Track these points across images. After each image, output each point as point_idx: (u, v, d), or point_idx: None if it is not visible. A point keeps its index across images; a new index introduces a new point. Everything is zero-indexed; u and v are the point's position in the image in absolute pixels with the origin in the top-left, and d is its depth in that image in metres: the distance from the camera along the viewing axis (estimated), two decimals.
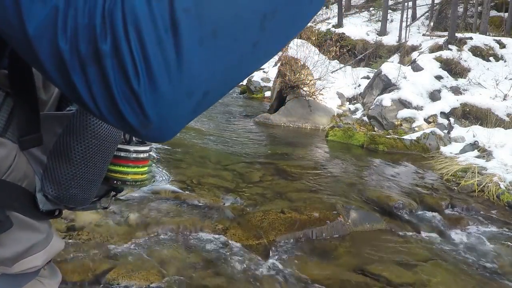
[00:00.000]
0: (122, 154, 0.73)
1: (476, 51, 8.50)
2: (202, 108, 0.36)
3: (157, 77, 0.31)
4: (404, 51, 10.75)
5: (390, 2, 14.35)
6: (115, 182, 0.74)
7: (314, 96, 7.84)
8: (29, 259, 0.62)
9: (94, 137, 0.62)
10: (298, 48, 8.08)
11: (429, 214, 3.92)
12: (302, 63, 7.84)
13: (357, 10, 15.69)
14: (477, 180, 4.64)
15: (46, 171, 0.61)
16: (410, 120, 7.03)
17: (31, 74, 0.55)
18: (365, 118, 7.56)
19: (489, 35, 9.68)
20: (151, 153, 0.78)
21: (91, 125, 0.61)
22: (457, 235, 3.57)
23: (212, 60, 0.32)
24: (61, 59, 0.32)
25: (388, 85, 7.80)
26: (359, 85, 9.20)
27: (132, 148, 0.74)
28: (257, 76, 11.92)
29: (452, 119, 7.10)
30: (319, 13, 15.96)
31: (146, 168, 0.76)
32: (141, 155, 0.75)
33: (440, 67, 8.03)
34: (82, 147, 0.61)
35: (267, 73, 12.14)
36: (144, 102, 0.32)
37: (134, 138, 0.74)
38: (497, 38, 9.03)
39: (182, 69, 0.31)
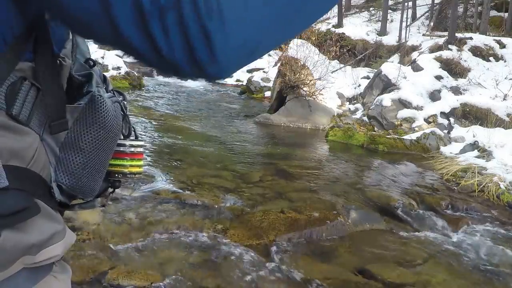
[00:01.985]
0: (121, 148, 0.79)
1: (476, 51, 8.50)
2: (257, 54, 0.44)
3: (227, 19, 0.38)
4: (404, 51, 10.75)
5: (390, 2, 14.35)
6: (116, 175, 0.80)
7: (314, 96, 7.84)
8: (52, 247, 0.64)
9: (102, 128, 0.67)
10: (298, 48, 8.09)
11: (429, 214, 3.92)
12: (302, 63, 7.84)
13: (357, 10, 15.69)
14: (477, 180, 4.64)
15: (59, 162, 0.65)
16: (410, 120, 7.03)
17: (56, 64, 0.61)
18: (365, 118, 7.57)
19: (489, 35, 9.68)
20: (145, 147, 0.85)
21: (100, 117, 0.67)
22: (457, 235, 3.57)
23: (269, 14, 0.40)
24: (140, 10, 0.38)
25: (388, 85, 7.80)
26: (359, 85, 9.20)
27: (127, 142, 0.80)
28: (257, 76, 11.92)
29: (452, 119, 7.10)
30: None
31: (141, 162, 0.82)
32: (137, 149, 0.81)
33: (440, 67, 8.03)
34: (92, 137, 0.67)
35: (267, 73, 12.14)
36: (214, 40, 0.38)
37: (131, 133, 0.81)
38: (497, 38, 9.03)
39: (245, 15, 0.39)
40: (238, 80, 13.29)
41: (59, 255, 0.66)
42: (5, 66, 0.54)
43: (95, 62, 0.77)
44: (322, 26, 13.81)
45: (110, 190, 0.82)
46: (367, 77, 9.52)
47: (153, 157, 4.77)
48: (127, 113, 0.79)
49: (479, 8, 11.27)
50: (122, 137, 0.79)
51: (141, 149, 0.81)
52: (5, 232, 0.54)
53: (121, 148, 0.79)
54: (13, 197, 0.55)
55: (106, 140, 0.69)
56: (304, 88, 7.76)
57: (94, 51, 10.78)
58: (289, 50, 8.20)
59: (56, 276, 0.69)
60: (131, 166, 0.80)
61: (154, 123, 6.64)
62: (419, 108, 7.21)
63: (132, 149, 0.80)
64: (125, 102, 0.81)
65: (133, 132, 0.82)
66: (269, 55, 13.62)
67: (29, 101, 0.58)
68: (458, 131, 6.79)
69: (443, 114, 7.13)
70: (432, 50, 9.02)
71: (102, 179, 0.73)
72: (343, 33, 13.19)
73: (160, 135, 5.89)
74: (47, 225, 0.63)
